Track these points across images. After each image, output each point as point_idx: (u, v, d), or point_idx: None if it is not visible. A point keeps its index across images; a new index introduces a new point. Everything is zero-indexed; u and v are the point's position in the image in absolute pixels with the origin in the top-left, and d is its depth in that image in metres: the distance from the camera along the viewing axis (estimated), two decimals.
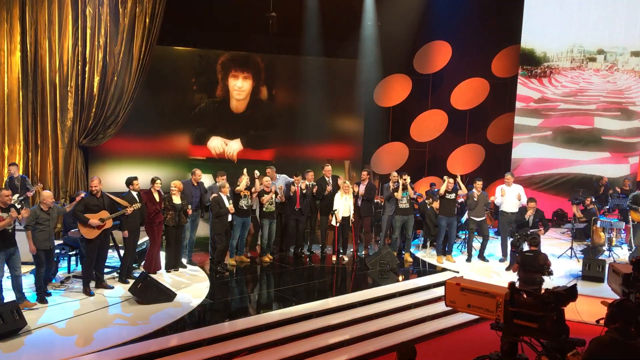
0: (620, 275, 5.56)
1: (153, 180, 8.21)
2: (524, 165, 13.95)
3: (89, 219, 7.14)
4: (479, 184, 9.85)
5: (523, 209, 9.50)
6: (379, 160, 14.86)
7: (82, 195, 7.65)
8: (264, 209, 9.12)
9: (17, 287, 6.60)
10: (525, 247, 7.99)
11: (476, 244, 10.22)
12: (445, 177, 9.61)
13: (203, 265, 8.93)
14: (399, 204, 9.48)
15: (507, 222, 9.87)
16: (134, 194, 7.85)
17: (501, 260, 9.90)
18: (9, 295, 6.61)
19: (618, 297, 5.42)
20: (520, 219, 9.41)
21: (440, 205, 9.78)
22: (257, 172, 9.19)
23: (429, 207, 10.41)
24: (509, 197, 9.82)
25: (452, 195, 9.59)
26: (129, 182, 7.93)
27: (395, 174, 9.74)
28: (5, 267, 6.51)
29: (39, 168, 10.39)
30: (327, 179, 9.84)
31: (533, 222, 9.34)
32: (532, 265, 7.10)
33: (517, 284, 7.35)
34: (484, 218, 9.92)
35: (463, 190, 9.75)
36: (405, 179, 9.44)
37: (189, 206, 8.46)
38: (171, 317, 6.57)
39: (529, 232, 8.75)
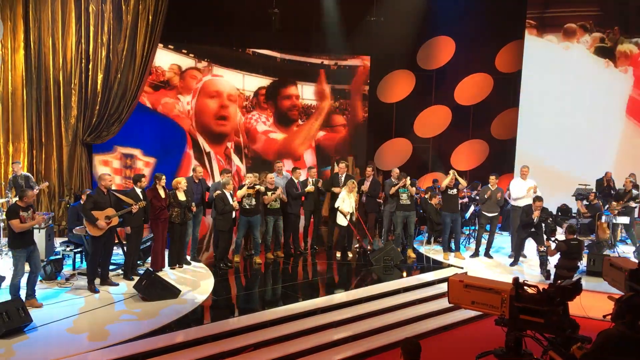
0: (623, 270, 5.51)
1: (158, 177, 8.21)
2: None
3: (97, 219, 7.12)
4: (492, 178, 9.76)
5: (528, 209, 9.06)
6: (383, 156, 14.84)
7: (88, 192, 7.63)
8: (268, 206, 9.12)
9: (29, 284, 6.61)
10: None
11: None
12: (451, 171, 9.58)
13: (207, 261, 8.94)
14: (400, 200, 9.47)
15: (519, 217, 9.57)
16: (138, 191, 7.82)
17: (510, 256, 9.82)
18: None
19: (617, 291, 5.39)
20: (526, 220, 8.98)
21: (443, 201, 9.75)
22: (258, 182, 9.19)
23: (429, 203, 10.38)
24: (524, 191, 9.67)
25: (454, 191, 9.55)
26: (137, 179, 7.92)
27: (397, 170, 9.73)
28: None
29: (44, 166, 10.41)
30: (340, 176, 9.83)
31: (540, 221, 8.92)
32: (577, 252, 7.70)
33: (554, 271, 7.78)
34: (496, 214, 9.83)
35: (463, 184, 9.74)
36: (405, 181, 9.40)
37: (193, 203, 8.47)
38: (176, 314, 6.57)
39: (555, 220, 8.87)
